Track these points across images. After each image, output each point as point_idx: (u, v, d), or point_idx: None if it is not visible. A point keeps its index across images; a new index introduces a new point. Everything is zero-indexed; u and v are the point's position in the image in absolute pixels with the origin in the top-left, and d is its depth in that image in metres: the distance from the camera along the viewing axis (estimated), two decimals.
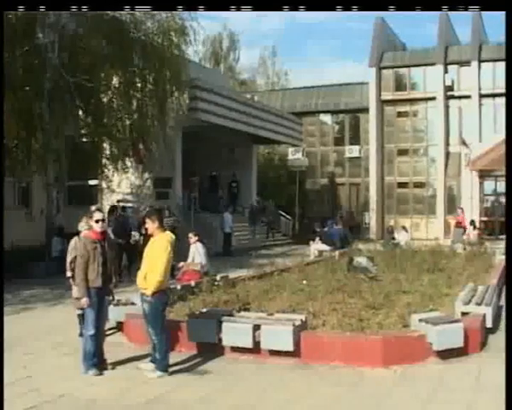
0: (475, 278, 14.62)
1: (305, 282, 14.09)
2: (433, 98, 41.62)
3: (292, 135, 36.92)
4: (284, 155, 42.99)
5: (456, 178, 38.23)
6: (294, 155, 41.72)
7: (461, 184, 35.73)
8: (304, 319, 9.16)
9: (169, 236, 8.56)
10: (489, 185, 38.01)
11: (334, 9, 13.08)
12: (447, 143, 41.12)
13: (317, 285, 13.36)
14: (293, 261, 19.63)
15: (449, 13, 44.07)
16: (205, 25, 53.04)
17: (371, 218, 41.69)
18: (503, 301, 13.51)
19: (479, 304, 10.60)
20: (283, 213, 37.42)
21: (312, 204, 42.44)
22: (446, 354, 8.65)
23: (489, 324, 10.26)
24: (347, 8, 12.84)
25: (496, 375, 8.07)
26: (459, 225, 29.65)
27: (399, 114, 43.56)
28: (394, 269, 16.18)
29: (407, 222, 38.16)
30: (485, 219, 35.02)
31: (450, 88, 41.42)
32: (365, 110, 42.58)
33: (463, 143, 33.02)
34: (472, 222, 29.57)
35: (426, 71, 42.54)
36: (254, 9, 10.63)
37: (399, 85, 43.32)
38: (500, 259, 20.63)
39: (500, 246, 23.69)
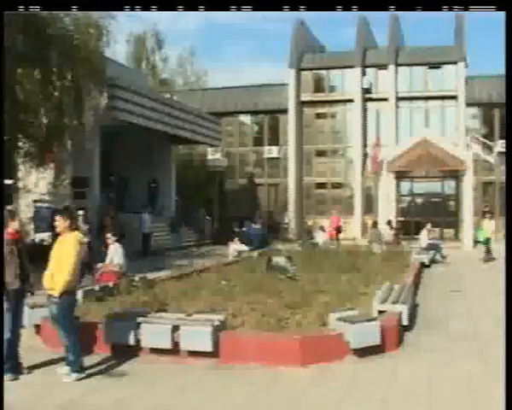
0: (392, 277, 14.88)
1: (223, 282, 14.07)
2: (352, 100, 42.29)
3: (211, 135, 36.78)
4: (203, 155, 42.87)
5: (374, 179, 38.83)
6: (213, 156, 41.71)
7: (378, 184, 36.28)
8: (223, 320, 9.10)
9: (78, 235, 8.36)
10: (405, 186, 38.89)
11: (334, 9, 13.09)
12: (365, 145, 41.81)
13: (235, 285, 13.36)
14: (213, 262, 19.61)
15: (368, 16, 45.07)
16: (130, 24, 52.70)
17: (290, 218, 41.98)
18: (418, 300, 13.84)
19: (395, 303, 10.79)
20: (205, 214, 37.35)
21: (232, 204, 42.43)
22: (364, 352, 8.74)
23: (405, 322, 10.45)
24: (347, 9, 12.87)
25: (412, 372, 8.24)
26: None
27: (318, 116, 44.07)
28: (313, 269, 16.33)
29: (325, 222, 38.62)
30: (401, 219, 35.71)
31: (368, 90, 42.19)
32: (284, 111, 42.84)
33: (377, 144, 33.67)
34: (388, 222, 30.13)
35: (344, 73, 43.19)
36: (254, 9, 10.53)
37: (318, 87, 43.82)
38: (415, 258, 21.16)
39: (415, 245, 24.27)
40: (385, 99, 41.82)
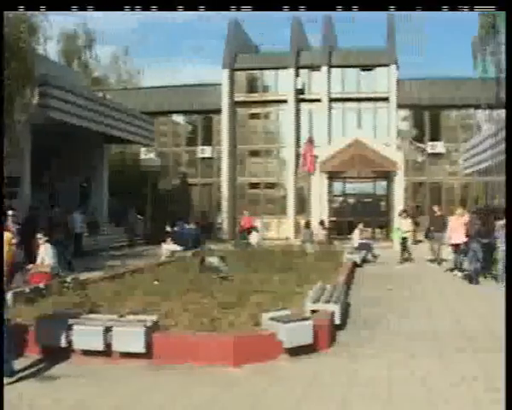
0: (324, 276, 15.01)
1: (156, 282, 13.99)
2: (285, 101, 42.50)
3: (144, 135, 36.45)
4: (137, 155, 42.52)
5: (307, 179, 39.13)
6: (147, 156, 41.40)
7: (310, 185, 36.56)
8: (155, 320, 9.04)
9: (7, 236, 8.19)
10: (337, 186, 39.33)
11: (334, 9, 13.01)
12: (298, 145, 42.07)
13: (169, 286, 13.29)
14: (146, 262, 19.48)
15: (301, 18, 45.46)
16: (61, 22, 51.82)
17: (223, 218, 41.97)
18: (350, 299, 14.02)
19: (327, 302, 10.88)
20: (136, 214, 37.04)
21: (165, 204, 42.08)
22: (296, 352, 8.80)
23: (337, 321, 10.56)
24: (347, 8, 12.81)
25: (342, 370, 8.33)
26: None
27: (252, 116, 44.14)
28: (246, 269, 16.37)
29: (259, 222, 38.74)
30: (333, 219, 36.07)
31: (301, 91, 42.47)
32: (218, 111, 42.78)
33: (310, 140, 33.97)
34: (321, 222, 30.41)
35: (278, 74, 43.35)
36: (254, 9, 10.40)
37: (252, 87, 43.90)
38: (347, 258, 21.41)
39: (348, 245, 24.56)
40: (318, 100, 42.18)
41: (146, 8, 10.19)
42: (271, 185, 43.59)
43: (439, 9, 11.36)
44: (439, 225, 22.78)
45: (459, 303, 14.34)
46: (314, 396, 7.28)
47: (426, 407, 6.93)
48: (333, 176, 36.26)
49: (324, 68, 42.15)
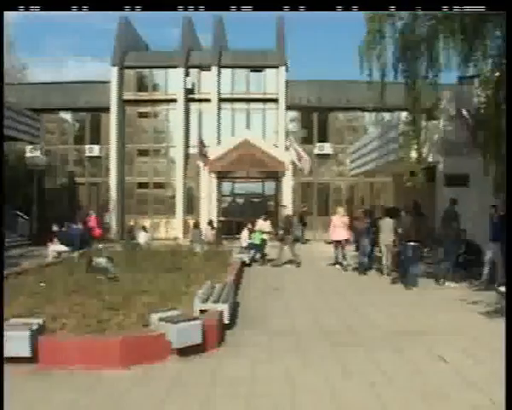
0: (213, 276, 15.09)
1: (42, 284, 13.65)
2: (175, 100, 42.34)
3: (29, 132, 35.40)
4: (22, 152, 41.26)
5: (196, 179, 39.16)
6: (32, 153, 40.22)
7: (200, 184, 36.61)
8: (41, 323, 8.84)
9: None
10: (226, 186, 39.55)
11: (334, 9, 12.74)
12: (187, 145, 42.04)
13: (55, 287, 13.01)
14: (31, 263, 18.98)
15: (193, 17, 45.44)
16: None
17: (111, 218, 41.41)
18: (239, 298, 14.15)
19: (216, 302, 10.95)
20: (20, 214, 35.98)
21: (52, 204, 41.08)
22: (186, 352, 8.82)
23: (226, 320, 10.64)
24: (347, 8, 12.58)
25: (233, 369, 8.40)
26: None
27: (141, 115, 43.68)
28: (135, 269, 16.23)
29: (147, 222, 38.48)
30: (222, 219, 36.26)
31: (191, 91, 42.42)
32: (106, 109, 42.10)
33: (201, 144, 33.96)
34: (210, 222, 30.50)
35: (168, 73, 43.14)
36: (254, 9, 10.10)
37: (141, 86, 43.49)
38: (236, 257, 21.59)
39: (237, 245, 24.74)
40: (207, 100, 42.24)
41: (146, 8, 10.02)
42: (160, 185, 43.29)
43: (439, 9, 11.60)
44: (287, 225, 23.42)
45: (340, 300, 14.77)
46: (201, 397, 7.31)
47: None
48: (222, 176, 36.45)
49: (214, 68, 42.26)
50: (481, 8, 10.66)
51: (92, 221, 31.96)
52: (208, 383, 7.84)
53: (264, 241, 23.92)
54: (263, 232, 23.77)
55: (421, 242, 18.08)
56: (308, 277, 19.78)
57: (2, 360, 7.67)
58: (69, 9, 10.16)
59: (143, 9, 10.12)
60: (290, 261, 22.93)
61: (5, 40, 57.35)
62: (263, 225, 24.14)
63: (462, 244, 19.08)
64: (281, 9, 10.33)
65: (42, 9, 10.24)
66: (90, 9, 10.35)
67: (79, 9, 10.12)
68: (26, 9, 10.08)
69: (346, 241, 22.39)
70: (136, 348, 8.63)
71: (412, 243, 17.57)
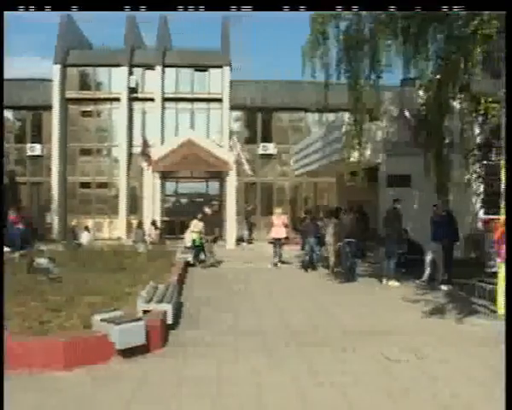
0: (157, 276, 15.03)
1: None
2: (118, 99, 41.96)
3: None
4: None
5: (139, 179, 38.88)
6: None
7: (143, 184, 36.32)
8: None
9: None
10: (170, 186, 39.41)
11: (334, 9, 12.52)
12: (130, 145, 41.72)
13: None
14: None
15: (137, 17, 45.10)
16: None
17: (53, 218, 40.79)
18: (183, 298, 14.12)
19: (160, 302, 10.90)
20: None
21: None
22: (130, 353, 8.76)
23: (170, 320, 10.61)
24: (347, 8, 12.37)
25: (174, 370, 8.38)
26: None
27: (84, 114, 43.12)
28: (77, 269, 16.05)
29: (90, 222, 38.08)
30: (166, 218, 36.08)
31: (135, 90, 42.11)
32: (48, 108, 41.45)
33: (145, 144, 33.66)
34: (153, 222, 30.34)
35: (111, 71, 42.72)
36: (254, 9, 9.88)
37: (84, 84, 42.95)
38: (180, 257, 21.53)
39: (180, 245, 24.66)
40: (151, 99, 41.99)
41: (146, 8, 9.84)
42: (103, 185, 42.81)
43: (439, 9, 11.60)
44: (210, 225, 23.54)
45: (287, 299, 14.86)
46: (144, 397, 7.28)
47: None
48: (165, 176, 36.25)
49: (158, 68, 42.04)
50: (481, 8, 10.78)
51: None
52: (152, 383, 7.81)
53: (195, 241, 23.86)
54: (195, 232, 23.77)
55: (361, 239, 18.47)
56: (250, 275, 19.82)
57: (3, 361, 7.53)
58: (69, 9, 10.04)
59: (143, 10, 10.02)
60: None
61: None
62: (197, 224, 24.12)
63: (404, 244, 19.39)
64: (280, 9, 10.33)
65: (42, 9, 10.09)
66: (91, 9, 10.24)
67: (79, 9, 10.00)
68: (26, 9, 9.92)
69: (286, 239, 23.38)
70: (78, 350, 8.53)
71: (351, 241, 18.47)
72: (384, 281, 17.76)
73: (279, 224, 23.11)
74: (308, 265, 21.55)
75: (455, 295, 15.38)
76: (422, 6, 11.55)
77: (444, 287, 16.48)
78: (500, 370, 7.81)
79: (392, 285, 17.37)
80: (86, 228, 31.82)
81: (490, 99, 13.68)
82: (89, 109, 43.11)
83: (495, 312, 12.70)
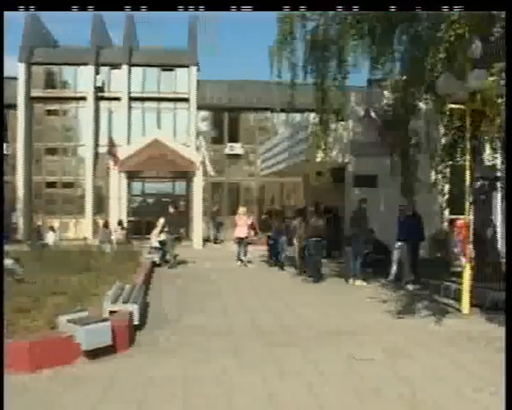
0: (123, 276, 14.96)
1: None
2: (84, 98, 41.69)
3: None
4: None
5: (105, 179, 38.61)
6: None
7: (109, 184, 36.09)
8: None
9: None
10: (136, 186, 39.22)
11: (334, 9, 12.33)
12: (96, 144, 41.47)
13: None
14: None
15: (104, 16, 44.80)
16: None
17: (19, 218, 40.36)
18: (149, 299, 14.07)
19: (126, 302, 10.84)
20: None
21: None
22: (96, 354, 8.70)
23: (136, 321, 10.56)
24: (347, 8, 12.22)
25: (140, 371, 8.34)
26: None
27: (49, 113, 42.73)
28: (43, 270, 15.88)
29: (56, 222, 37.74)
30: (132, 219, 35.89)
31: (101, 89, 41.85)
32: (13, 106, 40.99)
33: (111, 143, 33.42)
34: (120, 222, 30.18)
35: (77, 70, 42.41)
36: (254, 9, 9.75)
37: (50, 83, 42.57)
38: (146, 257, 21.46)
39: (147, 245, 24.56)
40: (118, 98, 41.80)
41: (146, 8, 9.73)
42: (69, 184, 42.49)
43: (439, 9, 11.58)
44: (174, 225, 23.57)
45: (254, 299, 14.88)
46: (111, 399, 7.23)
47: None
48: (132, 176, 36.05)
49: (125, 67, 41.85)
50: (481, 8, 10.82)
51: None
52: (118, 384, 7.76)
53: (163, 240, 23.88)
54: (162, 232, 23.80)
55: (323, 238, 18.85)
56: (217, 275, 19.84)
57: (3, 361, 7.49)
58: (69, 9, 9.93)
59: (143, 10, 9.95)
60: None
61: None
62: (160, 224, 24.13)
63: (370, 244, 19.54)
64: (280, 9, 10.31)
65: (42, 9, 10.01)
66: (90, 9, 10.15)
67: (79, 9, 9.90)
68: (26, 9, 9.83)
69: (255, 238, 24.45)
70: (44, 352, 8.44)
71: (315, 239, 18.72)
72: (351, 281, 17.87)
73: (242, 223, 23.72)
74: (276, 264, 22.18)
75: (421, 294, 15.52)
76: (422, 6, 11.62)
77: (410, 286, 16.62)
78: (468, 369, 7.93)
79: (359, 285, 17.49)
80: (52, 228, 31.55)
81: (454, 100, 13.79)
82: (54, 108, 42.74)
83: (460, 311, 12.85)
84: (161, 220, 23.98)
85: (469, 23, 12.10)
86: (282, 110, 33.98)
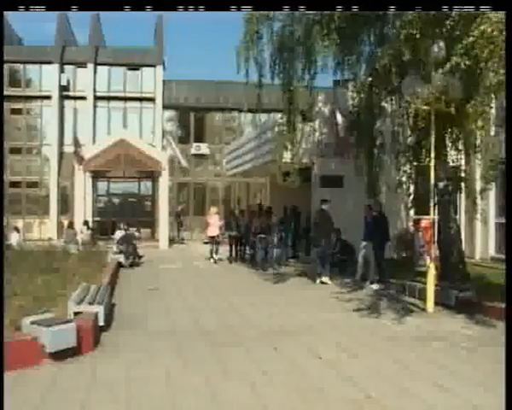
0: (89, 277, 14.86)
1: None
2: (49, 97, 41.32)
3: None
4: None
5: (70, 179, 38.30)
6: None
7: (74, 184, 35.81)
8: None
9: None
10: (102, 186, 38.98)
11: (334, 9, 12.13)
12: (61, 143, 41.14)
13: None
14: None
15: (69, 14, 44.36)
16: None
17: None
18: (115, 300, 13.98)
19: (91, 303, 10.75)
20: None
21: None
22: (61, 356, 8.60)
23: (101, 322, 10.47)
24: (347, 8, 12.05)
25: (109, 371, 8.27)
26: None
27: (13, 111, 42.23)
28: (6, 271, 15.67)
29: (20, 223, 37.35)
30: (98, 219, 35.66)
31: (66, 88, 41.53)
32: None
33: (76, 143, 33.13)
34: (85, 222, 29.94)
35: (42, 69, 42.01)
36: (254, 9, 9.61)
37: (14, 81, 42.10)
38: (112, 258, 21.33)
39: (112, 246, 24.41)
40: (83, 97, 41.53)
41: (146, 8, 9.59)
42: (33, 184, 42.07)
43: (439, 9, 11.57)
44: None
45: (219, 300, 14.87)
46: (84, 399, 7.15)
47: None
48: (97, 175, 35.84)
49: (90, 65, 41.62)
50: (481, 8, 10.87)
51: None
52: (84, 386, 7.67)
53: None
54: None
55: (266, 234, 21.77)
56: (184, 275, 19.84)
57: (3, 361, 7.41)
58: (69, 9, 9.83)
59: (143, 10, 9.86)
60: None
61: None
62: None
63: (335, 244, 19.65)
64: (280, 9, 10.28)
65: (42, 9, 9.84)
66: (91, 9, 10.11)
67: (79, 9, 9.78)
68: (26, 9, 9.69)
69: (218, 237, 25.01)
70: (8, 354, 8.32)
71: (262, 236, 21.74)
72: (316, 281, 17.92)
73: (214, 223, 24.57)
74: (235, 261, 24.58)
75: (386, 293, 15.63)
76: (422, 6, 11.68)
77: (375, 286, 16.74)
78: (441, 365, 7.98)
79: (324, 284, 17.55)
80: (15, 228, 31.21)
81: (420, 101, 13.89)
82: (18, 107, 42.31)
83: (425, 310, 12.96)
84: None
85: (422, 24, 12.26)
86: (249, 110, 34.05)
